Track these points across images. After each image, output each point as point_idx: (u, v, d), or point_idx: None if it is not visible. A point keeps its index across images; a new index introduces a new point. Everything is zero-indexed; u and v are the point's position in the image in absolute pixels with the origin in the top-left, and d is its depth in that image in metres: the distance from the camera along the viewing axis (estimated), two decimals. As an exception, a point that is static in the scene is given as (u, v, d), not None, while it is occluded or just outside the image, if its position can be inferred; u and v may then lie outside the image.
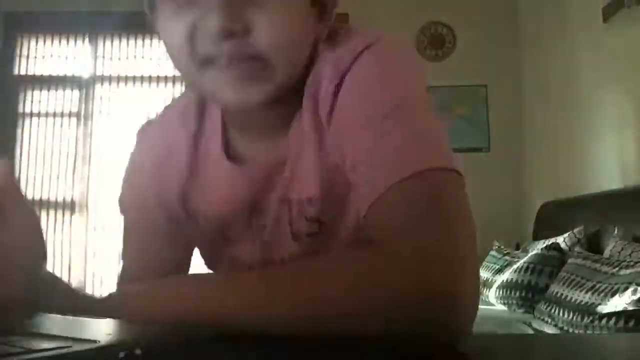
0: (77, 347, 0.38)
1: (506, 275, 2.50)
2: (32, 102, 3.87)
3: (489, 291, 2.61)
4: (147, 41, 3.92)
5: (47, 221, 3.73)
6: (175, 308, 0.53)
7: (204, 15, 0.56)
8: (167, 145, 0.71)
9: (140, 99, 3.87)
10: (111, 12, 3.85)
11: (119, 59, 3.91)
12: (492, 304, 2.57)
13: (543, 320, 1.98)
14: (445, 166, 0.53)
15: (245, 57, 0.57)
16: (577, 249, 2.33)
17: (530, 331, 2.00)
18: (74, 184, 3.78)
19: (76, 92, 3.89)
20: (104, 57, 3.91)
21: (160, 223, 0.71)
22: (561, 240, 2.52)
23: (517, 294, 2.36)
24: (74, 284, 3.70)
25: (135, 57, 3.91)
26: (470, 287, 0.48)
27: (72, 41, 3.93)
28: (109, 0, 3.86)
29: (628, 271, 1.71)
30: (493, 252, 2.92)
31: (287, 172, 0.65)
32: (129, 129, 4.01)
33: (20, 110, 3.84)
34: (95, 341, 0.39)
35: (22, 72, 3.88)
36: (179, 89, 3.88)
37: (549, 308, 1.95)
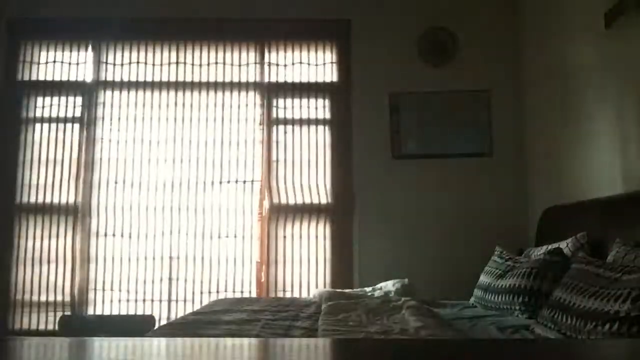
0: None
1: (509, 281, 2.49)
2: (35, 107, 3.89)
3: (491, 296, 2.60)
4: (150, 47, 3.94)
5: (50, 226, 3.74)
6: None
7: None
8: None
9: (143, 104, 3.89)
10: (114, 18, 3.88)
11: (122, 65, 3.93)
12: (494, 309, 2.56)
13: (546, 325, 1.97)
14: None
15: None
16: (580, 254, 2.33)
17: (533, 337, 1.99)
18: (77, 189, 3.79)
19: (79, 98, 3.91)
20: (107, 63, 3.93)
21: None
22: (564, 245, 2.52)
23: (520, 299, 2.36)
24: (76, 288, 3.71)
25: (138, 63, 3.92)
26: None
27: (75, 47, 3.95)
28: (112, 7, 3.89)
29: (631, 276, 1.70)
30: (495, 257, 2.91)
31: None
32: (132, 134, 4.03)
33: (24, 115, 3.86)
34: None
35: (26, 78, 3.90)
36: (180, 95, 3.89)
37: (552, 313, 1.94)
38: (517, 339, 1.91)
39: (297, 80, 3.93)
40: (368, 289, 3.25)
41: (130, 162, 3.83)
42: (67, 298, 3.70)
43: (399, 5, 3.91)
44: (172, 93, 3.90)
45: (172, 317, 3.60)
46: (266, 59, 3.95)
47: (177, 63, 3.93)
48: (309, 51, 3.95)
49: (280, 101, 3.92)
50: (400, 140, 3.79)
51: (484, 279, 2.80)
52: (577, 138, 3.00)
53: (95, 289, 3.72)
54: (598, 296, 1.72)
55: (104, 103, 3.90)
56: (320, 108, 3.91)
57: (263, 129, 3.88)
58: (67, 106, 3.89)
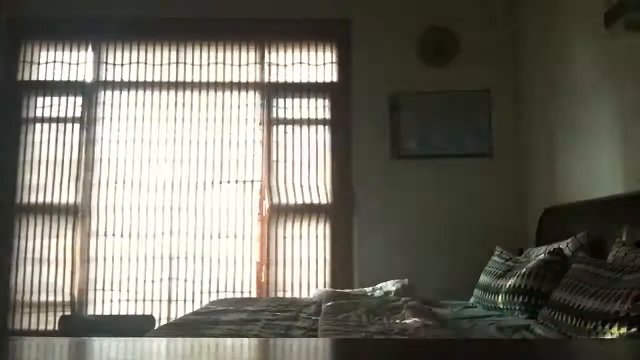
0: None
1: (509, 281, 2.49)
2: (35, 107, 3.88)
3: (491, 296, 2.60)
4: (150, 47, 3.94)
5: (50, 226, 3.74)
6: None
7: None
8: None
9: (143, 104, 3.89)
10: (114, 18, 3.88)
11: (122, 65, 3.93)
12: (494, 309, 2.56)
13: (546, 325, 1.97)
14: None
15: None
16: (580, 254, 2.33)
17: (533, 337, 1.99)
18: (77, 189, 3.79)
19: (79, 98, 3.91)
20: (107, 63, 3.93)
21: None
22: (564, 245, 2.52)
23: (520, 299, 2.36)
24: (76, 288, 3.71)
25: (138, 63, 3.92)
26: None
27: (75, 47, 3.95)
28: (112, 7, 3.88)
29: (631, 276, 1.70)
30: (495, 258, 2.91)
31: None
32: (132, 134, 4.03)
33: (24, 115, 3.86)
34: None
35: (26, 78, 3.90)
36: (180, 95, 3.89)
37: (552, 313, 1.94)
38: (517, 339, 1.91)
39: (297, 80, 3.93)
40: (368, 289, 3.25)
41: (130, 162, 3.82)
42: (67, 298, 3.70)
43: (399, 5, 3.90)
44: (172, 93, 3.90)
45: (172, 317, 3.60)
46: (266, 59, 3.95)
47: (177, 63, 3.93)
48: (309, 51, 3.95)
49: (280, 101, 3.92)
50: (400, 140, 3.78)
51: (484, 279, 2.80)
52: (577, 138, 3.00)
53: (95, 289, 3.72)
54: (598, 296, 1.72)
55: (104, 103, 3.89)
56: (320, 108, 3.91)
57: (263, 129, 3.88)
58: (67, 106, 3.88)
